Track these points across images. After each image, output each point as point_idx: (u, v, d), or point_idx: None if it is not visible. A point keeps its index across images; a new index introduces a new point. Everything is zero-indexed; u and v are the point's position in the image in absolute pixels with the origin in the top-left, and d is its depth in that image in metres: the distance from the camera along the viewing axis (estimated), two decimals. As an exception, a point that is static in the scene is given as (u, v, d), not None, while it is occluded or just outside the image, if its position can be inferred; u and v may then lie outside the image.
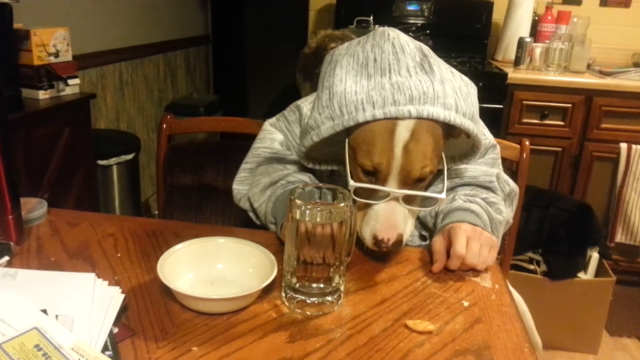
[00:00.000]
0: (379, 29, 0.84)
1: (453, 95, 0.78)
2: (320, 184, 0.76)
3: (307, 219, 0.68)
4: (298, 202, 0.68)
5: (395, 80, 0.77)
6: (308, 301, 0.70)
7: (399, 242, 0.79)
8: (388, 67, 0.78)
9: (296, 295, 0.71)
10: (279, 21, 3.34)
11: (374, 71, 0.79)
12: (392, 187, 0.78)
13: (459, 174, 0.96)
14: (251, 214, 1.01)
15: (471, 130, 0.79)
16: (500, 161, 1.02)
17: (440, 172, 0.88)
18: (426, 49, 0.83)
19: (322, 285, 0.70)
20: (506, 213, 0.96)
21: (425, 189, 0.85)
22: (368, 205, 0.80)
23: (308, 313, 0.70)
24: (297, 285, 0.71)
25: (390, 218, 0.78)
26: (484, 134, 0.99)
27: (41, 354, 0.54)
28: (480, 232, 0.84)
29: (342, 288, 0.73)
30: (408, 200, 0.81)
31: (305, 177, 0.96)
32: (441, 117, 0.76)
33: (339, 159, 0.86)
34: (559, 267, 1.95)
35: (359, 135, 0.80)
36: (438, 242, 0.85)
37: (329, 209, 0.69)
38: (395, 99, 0.76)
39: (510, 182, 1.01)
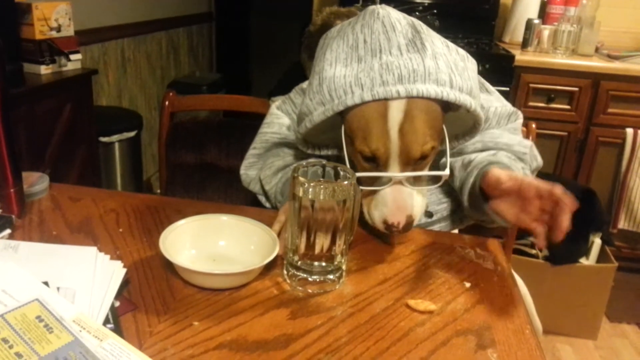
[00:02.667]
0: (369, 8, 0.82)
1: (447, 70, 0.75)
2: (324, 162, 0.75)
3: (310, 196, 0.67)
4: (301, 179, 0.68)
5: (385, 60, 0.75)
6: (310, 279, 0.70)
7: (409, 223, 0.77)
8: (379, 47, 0.76)
9: (298, 273, 0.71)
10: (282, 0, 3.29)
11: (364, 52, 0.77)
12: (393, 170, 0.77)
13: (494, 137, 0.91)
14: (261, 197, 1.00)
15: (468, 105, 0.76)
16: (521, 129, 0.97)
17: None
18: (418, 25, 0.80)
19: (324, 264, 0.70)
20: None
21: (431, 165, 0.83)
22: (374, 191, 0.79)
23: (309, 291, 0.70)
24: (299, 263, 0.70)
25: (398, 201, 0.77)
26: (501, 102, 0.96)
27: (42, 325, 0.54)
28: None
29: (344, 267, 0.72)
30: (413, 179, 0.79)
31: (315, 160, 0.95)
32: (432, 94, 0.73)
33: (339, 144, 0.85)
34: (561, 252, 1.95)
35: (353, 120, 0.78)
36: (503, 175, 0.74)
37: (332, 187, 0.68)
38: (383, 79, 0.74)
39: (539, 157, 0.96)
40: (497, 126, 0.94)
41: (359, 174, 0.77)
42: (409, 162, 0.77)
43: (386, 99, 0.74)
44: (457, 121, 0.86)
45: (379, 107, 0.74)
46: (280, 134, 0.99)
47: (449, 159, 0.82)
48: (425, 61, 0.74)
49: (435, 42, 0.78)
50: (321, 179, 0.73)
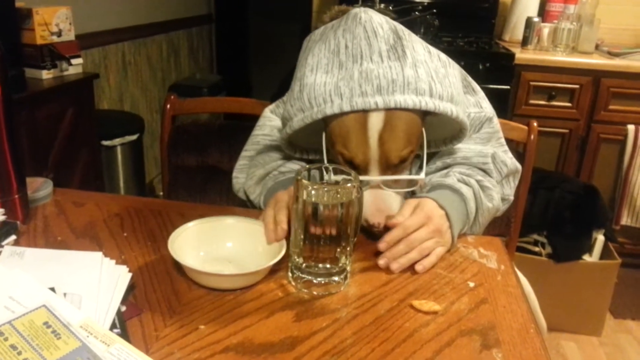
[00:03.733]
0: (352, 11, 0.82)
1: (427, 78, 0.76)
2: (327, 164, 0.75)
3: (313, 199, 0.67)
4: (305, 182, 0.68)
5: (365, 67, 0.75)
6: (314, 281, 0.71)
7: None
8: (360, 53, 0.77)
9: (302, 275, 0.71)
10: (283, 1, 3.30)
11: (345, 58, 0.77)
12: (373, 174, 0.79)
13: (452, 153, 0.93)
14: (249, 205, 1.01)
15: (449, 112, 0.77)
16: (499, 135, 0.98)
17: (432, 153, 0.88)
18: (401, 30, 0.81)
19: (328, 266, 0.70)
20: (497, 201, 0.92)
21: (411, 168, 0.85)
22: None
23: (315, 293, 0.70)
24: (304, 265, 0.71)
25: (377, 203, 0.79)
26: (480, 105, 0.96)
27: (50, 331, 0.54)
28: (440, 221, 0.80)
29: (348, 268, 0.73)
30: (393, 182, 0.81)
31: (297, 166, 0.95)
32: (410, 105, 0.74)
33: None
34: (564, 249, 1.95)
35: (334, 127, 0.79)
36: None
37: (336, 190, 0.68)
38: (362, 90, 0.74)
39: (509, 161, 0.96)
40: (468, 134, 0.94)
41: (335, 177, 0.77)
42: (388, 167, 0.79)
43: (364, 111, 0.75)
44: (445, 125, 0.87)
45: (358, 117, 0.76)
46: (271, 136, 1.00)
47: (425, 163, 0.83)
48: (404, 70, 0.75)
49: (417, 48, 0.79)
50: (324, 182, 0.74)
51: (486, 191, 0.91)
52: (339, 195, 0.68)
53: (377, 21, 0.79)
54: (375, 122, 0.76)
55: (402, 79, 0.75)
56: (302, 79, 0.80)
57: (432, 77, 0.77)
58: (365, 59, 0.76)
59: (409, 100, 0.75)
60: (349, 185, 0.69)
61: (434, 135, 0.90)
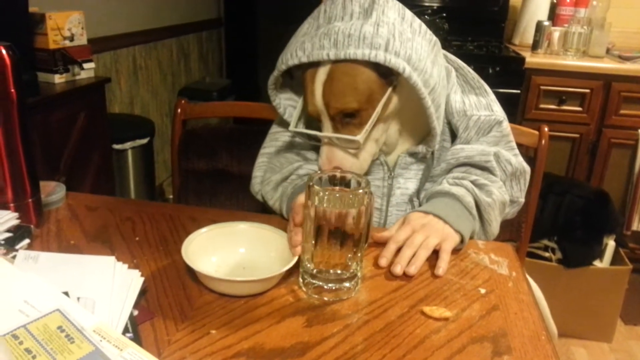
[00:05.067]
0: None
1: (387, 35, 0.78)
2: (338, 171, 0.75)
3: (325, 205, 0.68)
4: (316, 188, 0.68)
5: (332, 25, 0.80)
6: (325, 287, 0.71)
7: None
8: (334, 15, 0.82)
9: (313, 281, 0.71)
10: (292, 3, 3.30)
11: (322, 21, 0.83)
12: (327, 127, 0.85)
13: (455, 154, 0.93)
14: (267, 207, 1.01)
15: (400, 69, 0.78)
16: (509, 138, 0.97)
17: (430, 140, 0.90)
18: None
19: (339, 271, 0.71)
20: (498, 195, 0.92)
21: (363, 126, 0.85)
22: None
23: (325, 299, 0.70)
24: (315, 271, 0.71)
25: (330, 158, 0.86)
26: (491, 109, 0.96)
27: (64, 335, 0.55)
28: (431, 222, 0.83)
29: (359, 274, 0.73)
30: (343, 142, 0.85)
31: (315, 167, 0.96)
32: (359, 56, 0.77)
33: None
34: (575, 254, 1.94)
35: (301, 83, 0.87)
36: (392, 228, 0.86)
37: (347, 195, 0.69)
38: (321, 44, 0.80)
39: (514, 160, 0.96)
40: (476, 136, 0.95)
41: (293, 129, 0.90)
42: (335, 120, 0.84)
43: (319, 62, 0.81)
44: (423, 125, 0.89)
45: (312, 71, 0.83)
46: (290, 132, 1.00)
47: (369, 126, 0.84)
48: (363, 27, 0.78)
49: (388, 12, 0.81)
50: (335, 188, 0.74)
51: (483, 188, 0.91)
52: (350, 201, 0.68)
53: None
54: (322, 73, 0.81)
55: (359, 34, 0.78)
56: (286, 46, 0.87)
57: (393, 35, 0.79)
58: (337, 19, 0.82)
59: (359, 52, 0.77)
60: (360, 191, 0.69)
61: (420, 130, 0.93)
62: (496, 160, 0.94)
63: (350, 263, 0.71)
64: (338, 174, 0.74)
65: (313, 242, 0.70)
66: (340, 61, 0.79)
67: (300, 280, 0.73)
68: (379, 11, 0.80)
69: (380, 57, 0.77)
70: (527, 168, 1.00)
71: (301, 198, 0.77)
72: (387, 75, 0.82)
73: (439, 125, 0.88)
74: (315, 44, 0.80)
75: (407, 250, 0.79)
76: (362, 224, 0.69)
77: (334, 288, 0.71)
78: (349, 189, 0.72)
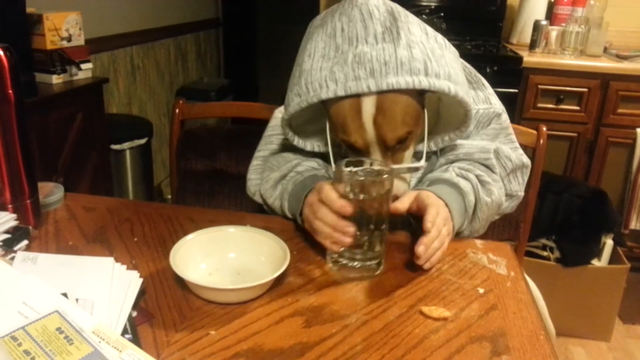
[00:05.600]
0: None
1: (422, 57, 0.76)
2: (362, 158, 0.79)
3: (353, 189, 0.73)
4: (345, 173, 0.73)
5: (359, 50, 0.76)
6: (349, 265, 0.76)
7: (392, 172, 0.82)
8: (355, 36, 0.78)
9: (340, 260, 0.76)
10: (290, 3, 3.30)
11: (341, 41, 0.78)
12: (375, 156, 0.82)
13: (454, 150, 0.93)
14: (266, 207, 1.00)
15: (446, 90, 0.77)
16: (508, 131, 0.98)
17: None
18: (397, 11, 0.80)
19: (364, 251, 0.75)
20: (497, 196, 0.92)
21: (410, 147, 0.86)
22: None
23: (351, 275, 0.76)
24: (342, 250, 0.76)
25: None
26: (489, 102, 0.96)
27: (63, 336, 0.55)
28: (445, 209, 0.82)
29: (382, 255, 0.77)
30: (394, 162, 0.83)
31: (314, 163, 0.96)
32: (403, 85, 0.74)
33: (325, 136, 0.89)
34: (573, 253, 1.94)
35: (332, 114, 0.81)
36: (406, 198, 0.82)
37: (373, 180, 0.74)
38: (356, 74, 0.75)
39: (513, 156, 0.96)
40: (476, 129, 0.95)
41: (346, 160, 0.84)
42: (388, 148, 0.82)
43: (358, 94, 0.76)
44: (451, 113, 0.88)
45: (352, 103, 0.78)
46: (284, 135, 0.99)
47: (425, 148, 0.84)
48: (397, 51, 0.76)
49: (413, 29, 0.79)
50: (361, 173, 0.77)
51: (485, 186, 0.91)
52: (376, 186, 0.73)
53: (374, 3, 0.80)
54: (369, 106, 0.77)
55: (395, 60, 0.75)
56: (301, 64, 0.82)
57: (428, 56, 0.77)
58: (360, 41, 0.77)
59: (402, 80, 0.75)
60: (385, 176, 0.74)
61: (442, 125, 0.90)
62: (496, 157, 0.94)
63: (374, 244, 0.76)
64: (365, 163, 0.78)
65: None
66: (382, 92, 0.76)
67: (328, 258, 0.78)
68: (405, 30, 0.78)
69: (424, 83, 0.75)
70: (527, 162, 0.99)
71: (329, 189, 0.76)
72: (422, 94, 0.82)
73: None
74: (349, 75, 0.76)
75: (437, 243, 0.78)
76: (385, 206, 0.75)
77: (358, 267, 0.76)
78: (373, 175, 0.76)
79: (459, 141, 0.94)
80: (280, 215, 0.96)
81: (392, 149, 0.82)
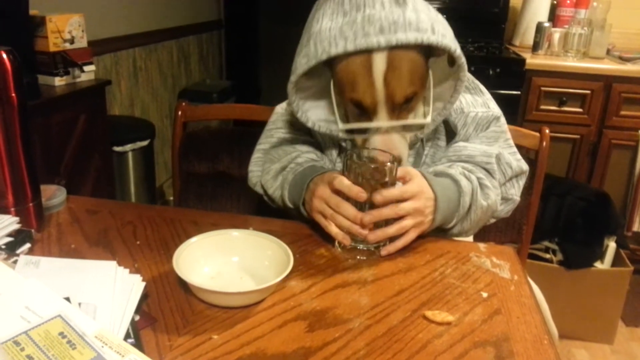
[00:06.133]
0: None
1: (428, 21, 0.79)
2: (371, 148, 0.84)
3: (362, 177, 0.78)
4: (356, 162, 0.79)
5: (368, 13, 0.78)
6: (358, 248, 0.82)
7: (398, 161, 0.84)
8: (363, 3, 0.80)
9: (350, 243, 0.82)
10: (293, 4, 3.29)
11: (349, 8, 0.80)
12: (381, 117, 0.83)
13: (457, 151, 0.95)
14: (266, 198, 1.03)
15: (452, 48, 0.79)
16: (507, 135, 0.99)
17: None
18: None
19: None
20: (492, 201, 0.93)
21: (415, 109, 0.88)
22: (367, 140, 0.86)
23: (358, 257, 0.82)
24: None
25: (388, 145, 0.84)
26: (488, 106, 0.98)
27: (65, 341, 0.55)
28: (427, 203, 0.83)
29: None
30: (400, 127, 0.85)
31: (313, 155, 0.98)
32: (412, 40, 0.76)
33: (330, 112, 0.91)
34: (576, 256, 1.94)
35: (341, 72, 0.83)
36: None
37: (381, 169, 0.79)
38: (365, 31, 0.77)
39: (514, 164, 0.97)
40: (475, 132, 0.96)
41: (346, 126, 0.86)
42: (395, 107, 0.83)
43: (368, 50, 0.78)
44: (441, 88, 0.90)
45: (363, 60, 0.79)
46: (285, 129, 1.03)
47: (431, 106, 0.85)
48: (405, 13, 0.78)
49: (418, 1, 0.82)
50: (368, 161, 0.82)
51: (484, 190, 0.92)
52: (383, 174, 0.78)
53: None
54: (379, 62, 0.79)
55: (404, 20, 0.77)
56: (309, 30, 0.84)
57: (434, 20, 0.80)
58: (367, 6, 0.79)
59: (411, 36, 0.76)
60: (388, 164, 0.79)
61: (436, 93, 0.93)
62: (497, 162, 0.94)
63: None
64: (372, 153, 0.83)
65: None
66: (392, 48, 0.78)
67: (337, 243, 0.84)
68: (411, 0, 0.81)
69: (432, 39, 0.77)
70: (526, 168, 1.01)
71: (342, 178, 0.80)
72: (427, 57, 0.84)
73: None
74: (358, 32, 0.77)
75: (388, 210, 0.80)
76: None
77: (364, 249, 0.82)
78: (381, 164, 0.80)
79: (461, 143, 0.95)
80: (278, 206, 0.98)
81: (399, 107, 0.83)
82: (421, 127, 0.89)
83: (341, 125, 0.86)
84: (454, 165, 0.93)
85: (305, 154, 0.98)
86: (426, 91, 0.86)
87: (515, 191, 1.01)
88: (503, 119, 0.98)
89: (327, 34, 0.80)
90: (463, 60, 0.82)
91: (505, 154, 0.96)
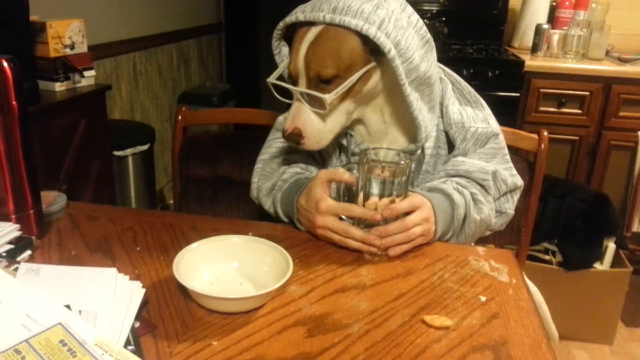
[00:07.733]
0: None
1: (383, 16, 0.81)
2: (384, 147, 0.90)
3: (376, 176, 0.82)
4: (372, 160, 0.81)
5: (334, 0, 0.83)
6: None
7: (296, 134, 0.87)
8: None
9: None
10: (293, 7, 3.31)
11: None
12: (301, 87, 0.86)
13: (455, 165, 0.96)
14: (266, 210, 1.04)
15: (387, 49, 0.80)
16: (504, 151, 1.01)
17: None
18: None
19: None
20: (486, 216, 0.95)
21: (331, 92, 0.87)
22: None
23: (367, 257, 0.84)
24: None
25: (295, 116, 0.87)
26: (487, 122, 0.98)
27: (66, 349, 0.55)
28: (430, 212, 0.86)
29: None
30: (314, 103, 0.86)
31: (297, 169, 1.00)
32: (352, 25, 0.80)
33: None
34: (575, 257, 1.94)
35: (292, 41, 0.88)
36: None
37: (395, 167, 0.81)
38: (320, 7, 0.83)
39: (509, 180, 0.99)
40: (474, 147, 0.97)
41: (269, 80, 0.90)
42: (311, 81, 0.85)
43: (314, 22, 0.83)
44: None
45: (304, 30, 0.85)
46: (282, 138, 1.02)
47: (340, 89, 0.85)
48: (363, 4, 0.81)
49: (391, 2, 0.84)
50: (382, 161, 0.84)
51: (477, 204, 0.94)
52: (396, 172, 0.81)
53: None
54: (310, 35, 0.84)
55: (358, 8, 0.81)
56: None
57: (389, 18, 0.81)
58: None
59: (354, 22, 0.80)
60: (402, 163, 0.82)
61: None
62: (493, 179, 0.97)
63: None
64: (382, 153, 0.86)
65: (363, 203, 0.84)
66: (332, 26, 0.81)
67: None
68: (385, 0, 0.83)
69: (371, 31, 0.80)
70: (520, 183, 1.03)
71: (354, 207, 0.84)
72: (375, 53, 0.85)
73: (426, 121, 0.90)
74: (315, 7, 0.83)
75: (400, 236, 0.83)
76: (405, 188, 0.84)
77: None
78: (394, 164, 0.83)
79: (460, 158, 0.97)
80: (276, 218, 0.99)
81: (315, 84, 0.85)
82: (323, 105, 0.86)
83: (269, 79, 0.91)
84: (448, 180, 0.95)
85: (290, 169, 1.00)
86: (354, 83, 0.86)
87: (510, 205, 1.03)
88: (502, 136, 1.00)
89: (296, 10, 0.87)
90: (396, 63, 0.81)
91: (501, 171, 0.98)
